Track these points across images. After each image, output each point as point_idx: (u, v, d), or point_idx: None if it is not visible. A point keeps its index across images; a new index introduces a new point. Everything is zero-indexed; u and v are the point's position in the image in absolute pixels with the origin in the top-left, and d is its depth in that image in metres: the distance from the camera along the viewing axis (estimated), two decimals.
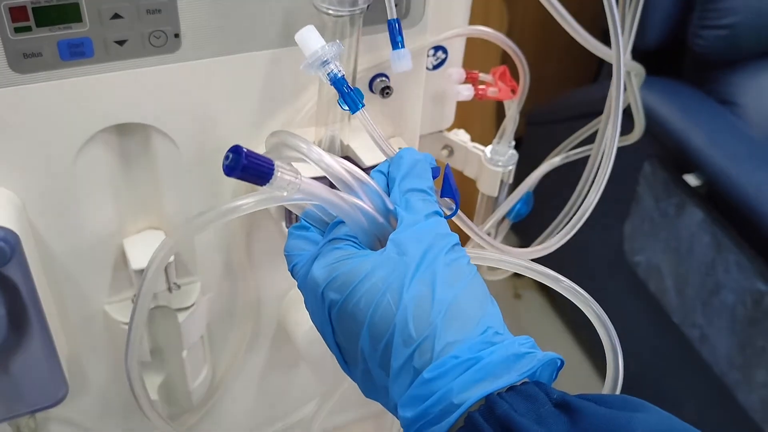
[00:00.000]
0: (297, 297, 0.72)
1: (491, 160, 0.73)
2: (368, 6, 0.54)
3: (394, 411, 0.37)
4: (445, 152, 0.77)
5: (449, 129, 0.77)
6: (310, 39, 0.44)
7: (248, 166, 0.36)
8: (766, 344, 1.07)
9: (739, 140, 1.23)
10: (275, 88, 0.58)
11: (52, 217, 0.57)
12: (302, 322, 0.70)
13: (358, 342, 0.38)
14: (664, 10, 1.33)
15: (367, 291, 0.37)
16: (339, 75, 0.44)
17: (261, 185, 0.37)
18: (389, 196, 0.43)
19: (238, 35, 0.55)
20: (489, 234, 0.77)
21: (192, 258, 0.65)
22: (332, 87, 0.57)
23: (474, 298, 0.37)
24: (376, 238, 0.42)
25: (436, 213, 0.41)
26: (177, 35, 0.53)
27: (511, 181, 0.75)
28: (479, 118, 1.53)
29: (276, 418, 0.83)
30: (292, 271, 0.43)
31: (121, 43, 0.51)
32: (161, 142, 0.57)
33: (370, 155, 0.60)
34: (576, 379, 1.52)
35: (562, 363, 0.37)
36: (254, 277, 0.69)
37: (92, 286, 0.62)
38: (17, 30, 0.48)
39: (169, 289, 0.62)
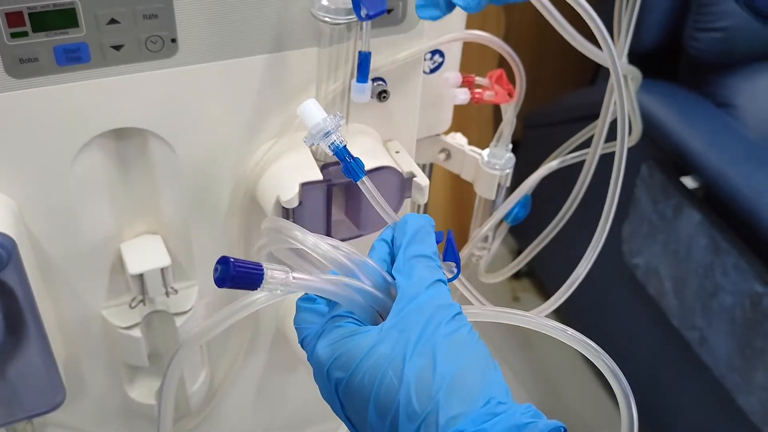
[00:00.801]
0: (295, 300, 0.72)
1: (488, 164, 0.73)
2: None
3: None
4: (442, 155, 0.78)
5: (446, 132, 0.77)
6: (313, 111, 0.46)
7: (237, 276, 0.37)
8: (765, 346, 1.07)
9: (736, 142, 1.24)
10: (271, 92, 0.58)
11: (48, 222, 0.57)
12: None
13: (367, 416, 0.39)
14: (659, 12, 1.33)
15: (369, 368, 0.38)
16: (341, 145, 0.46)
17: (253, 290, 0.39)
18: (394, 262, 0.44)
19: (235, 40, 0.55)
20: (486, 237, 0.77)
21: (189, 262, 0.65)
22: (329, 93, 0.58)
23: (476, 368, 0.38)
24: (377, 312, 0.42)
25: (439, 281, 0.42)
26: (173, 40, 0.53)
27: (508, 184, 0.75)
28: (476, 121, 1.53)
29: (275, 423, 0.83)
30: (301, 343, 0.44)
31: (117, 48, 0.51)
32: (158, 147, 0.57)
33: (367, 160, 0.60)
34: (573, 381, 1.52)
35: (565, 430, 0.38)
36: None
37: (89, 291, 0.62)
38: (14, 35, 0.48)
39: (167, 294, 0.62)
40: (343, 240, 0.62)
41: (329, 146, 0.45)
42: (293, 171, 0.59)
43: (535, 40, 1.54)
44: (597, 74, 1.57)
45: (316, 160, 0.60)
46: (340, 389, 0.40)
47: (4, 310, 0.54)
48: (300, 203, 0.58)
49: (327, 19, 0.53)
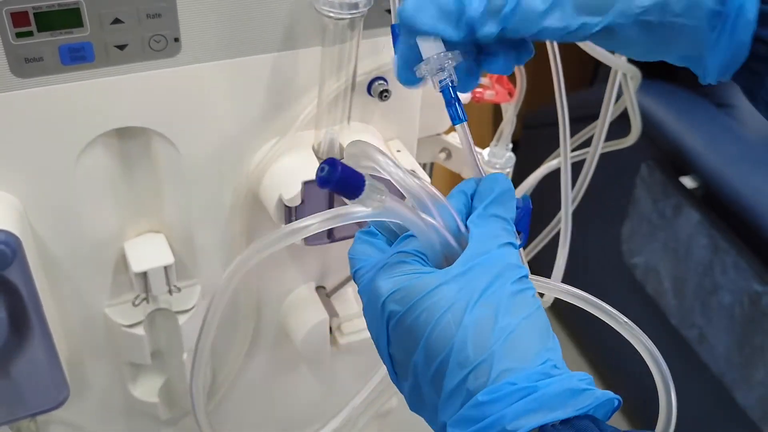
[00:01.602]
0: (297, 299, 0.73)
1: (489, 163, 0.73)
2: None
3: (440, 430, 0.38)
4: (442, 155, 0.78)
5: (447, 132, 0.77)
6: (431, 44, 0.43)
7: (342, 179, 0.36)
8: (764, 344, 1.08)
9: (735, 142, 1.24)
10: (276, 91, 0.59)
11: (53, 221, 0.57)
12: (303, 325, 0.71)
13: (412, 357, 0.38)
14: None
15: (428, 307, 0.37)
16: (451, 85, 0.44)
17: (350, 199, 0.37)
18: (472, 214, 0.43)
19: (239, 39, 0.55)
20: None
21: (192, 261, 0.65)
22: (332, 92, 0.58)
23: (536, 329, 0.38)
24: (444, 257, 0.42)
25: (511, 244, 0.41)
26: (177, 39, 0.53)
27: None
28: (476, 120, 1.54)
29: (277, 421, 0.83)
30: (354, 274, 0.43)
31: (121, 47, 0.52)
32: (162, 146, 0.58)
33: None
34: None
35: (620, 403, 0.37)
36: (255, 279, 0.69)
37: (93, 289, 0.63)
38: (19, 35, 0.49)
39: (170, 292, 0.62)
40: (344, 238, 0.63)
41: (439, 82, 0.43)
42: (295, 169, 0.59)
43: (534, 42, 1.54)
44: (596, 75, 1.57)
45: (318, 158, 0.61)
46: (391, 323, 0.39)
47: (9, 308, 0.54)
48: (302, 201, 0.58)
49: (331, 14, 0.53)
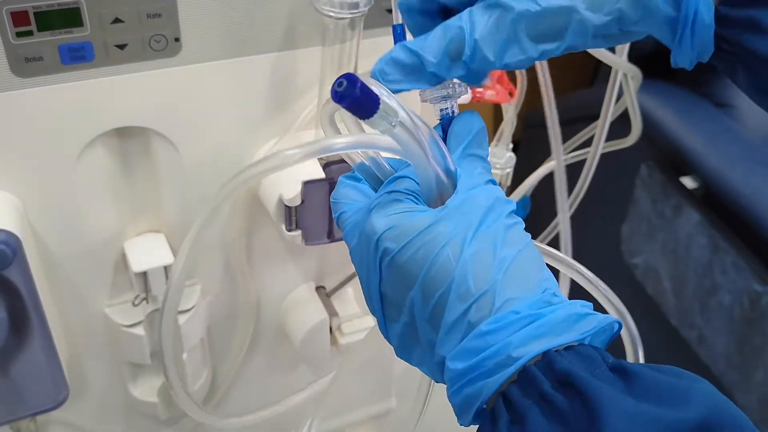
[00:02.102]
0: (297, 300, 0.73)
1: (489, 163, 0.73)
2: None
3: (435, 368, 0.38)
4: None
5: None
6: None
7: (358, 98, 0.35)
8: (764, 344, 1.08)
9: (735, 143, 1.24)
10: (276, 91, 0.59)
11: (53, 220, 0.57)
12: (303, 325, 0.71)
13: (408, 293, 0.38)
14: None
15: (426, 243, 0.37)
16: (451, 115, 0.44)
17: (362, 119, 0.37)
18: (452, 155, 0.42)
19: (239, 39, 0.55)
20: None
21: (192, 260, 0.65)
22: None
23: (534, 259, 0.38)
24: (437, 196, 0.41)
25: (492, 181, 0.42)
26: (177, 39, 0.53)
27: (509, 183, 0.76)
28: None
29: (276, 421, 0.83)
30: (338, 218, 0.43)
31: (121, 47, 0.52)
32: (161, 145, 0.58)
33: None
34: None
35: (620, 326, 0.38)
36: (254, 279, 0.69)
37: (93, 289, 0.63)
38: (19, 34, 0.49)
39: None
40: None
41: (440, 110, 0.44)
42: (295, 169, 0.59)
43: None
44: (596, 75, 1.58)
45: (319, 158, 0.61)
46: (385, 261, 0.39)
47: (9, 308, 0.54)
48: (302, 201, 0.58)
49: (331, 13, 0.53)
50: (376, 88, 0.38)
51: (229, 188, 0.45)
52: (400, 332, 0.40)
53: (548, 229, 0.80)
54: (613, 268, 1.39)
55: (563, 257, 0.44)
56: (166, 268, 0.61)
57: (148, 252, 0.61)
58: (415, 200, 0.40)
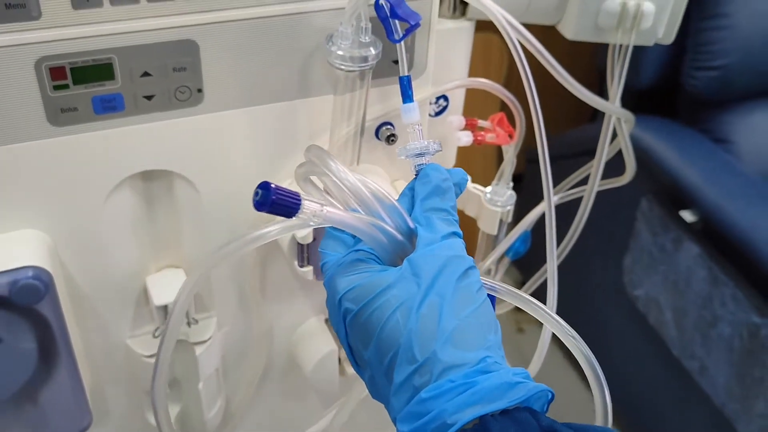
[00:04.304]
0: (307, 331, 0.76)
1: (491, 201, 0.77)
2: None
3: (393, 421, 0.40)
4: None
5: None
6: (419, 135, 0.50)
7: (276, 202, 0.39)
8: (764, 375, 1.10)
9: (733, 177, 1.27)
10: (291, 135, 0.63)
11: (80, 256, 0.61)
12: (313, 356, 0.74)
13: (367, 351, 0.40)
14: (657, 51, 1.38)
15: (379, 306, 0.40)
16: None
17: (289, 218, 0.40)
18: (413, 212, 0.45)
19: (257, 89, 0.59)
20: (489, 271, 0.81)
21: (209, 294, 0.69)
22: (342, 137, 0.62)
23: (477, 326, 0.40)
24: (397, 255, 0.44)
25: (455, 234, 0.44)
26: (200, 90, 0.57)
27: (510, 220, 0.79)
28: (481, 158, 1.57)
29: None
30: (322, 268, 0.46)
31: (149, 98, 0.56)
32: (183, 187, 0.62)
33: None
34: (579, 414, 1.54)
35: (553, 395, 0.40)
36: (267, 312, 0.73)
37: (116, 321, 0.66)
38: (56, 87, 0.53)
39: (188, 324, 0.66)
40: None
41: (416, 166, 0.48)
42: None
43: (537, 80, 1.59)
44: (597, 111, 1.61)
45: (329, 199, 0.64)
46: (347, 319, 0.41)
47: (39, 339, 0.57)
48: (314, 239, 0.62)
49: (342, 67, 0.57)
50: (316, 168, 0.42)
51: (208, 263, 0.48)
52: (367, 380, 0.43)
53: (539, 272, 0.83)
54: (615, 299, 1.42)
55: (531, 301, 0.45)
56: None
57: (169, 286, 0.64)
58: (377, 259, 0.43)
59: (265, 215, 0.60)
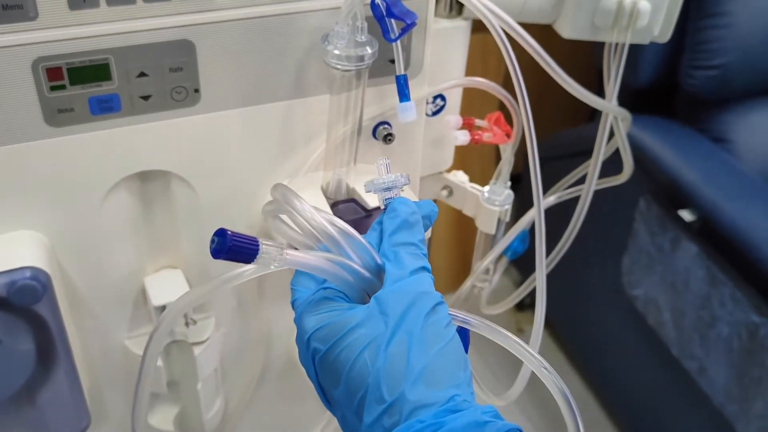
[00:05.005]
0: None
1: (488, 200, 0.77)
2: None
3: None
4: (444, 192, 0.82)
5: (449, 170, 0.81)
6: (385, 168, 0.50)
7: (234, 249, 0.39)
8: (763, 375, 1.09)
9: (732, 177, 1.27)
10: (288, 135, 0.63)
11: (78, 257, 0.61)
12: None
13: (336, 390, 0.40)
14: (655, 51, 1.38)
15: (347, 346, 0.40)
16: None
17: (248, 263, 0.40)
18: (380, 247, 0.45)
19: (253, 89, 0.59)
20: (488, 270, 0.81)
21: (206, 295, 0.69)
22: (340, 134, 0.62)
23: (447, 363, 0.39)
24: (365, 292, 0.44)
25: (424, 268, 0.43)
26: (197, 90, 0.57)
27: (508, 219, 0.79)
28: (479, 158, 1.58)
29: None
30: (293, 305, 0.46)
31: (145, 98, 0.56)
32: (180, 187, 0.62)
33: (375, 197, 0.64)
34: (581, 414, 1.54)
35: None
36: (265, 312, 0.73)
37: (114, 322, 0.66)
38: (53, 88, 0.53)
39: (186, 324, 0.66)
40: None
41: (384, 200, 0.49)
42: None
43: (536, 80, 1.59)
44: (595, 111, 1.61)
45: (327, 198, 0.65)
46: (316, 359, 0.41)
47: (37, 340, 0.58)
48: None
49: (338, 66, 0.57)
50: (282, 207, 0.42)
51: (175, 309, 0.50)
52: (340, 419, 0.42)
53: (548, 260, 0.83)
54: (614, 299, 1.42)
55: (499, 330, 0.44)
56: None
57: (167, 287, 0.65)
58: (345, 297, 0.43)
59: (256, 221, 0.60)
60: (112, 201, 0.60)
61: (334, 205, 0.64)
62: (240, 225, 0.66)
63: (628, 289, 1.36)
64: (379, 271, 0.44)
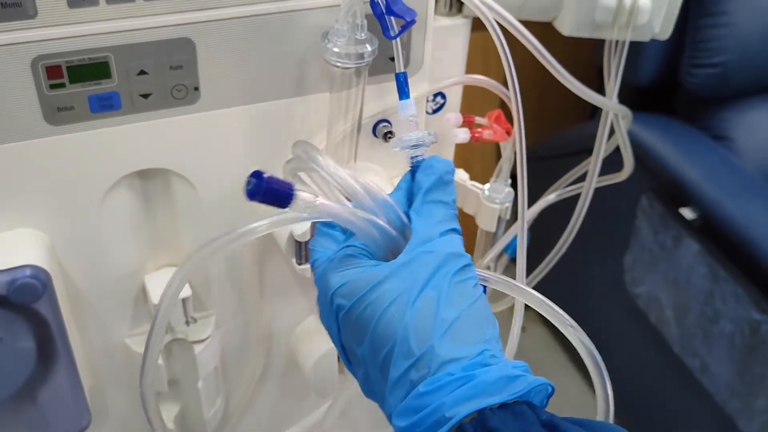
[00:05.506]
0: (306, 329, 0.76)
1: (489, 198, 0.77)
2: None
3: (389, 417, 0.40)
4: None
5: None
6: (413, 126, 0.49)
7: (269, 191, 0.38)
8: (765, 372, 1.10)
9: (733, 174, 1.27)
10: (288, 133, 0.63)
11: (78, 255, 0.61)
12: (312, 354, 0.74)
13: (360, 347, 0.40)
14: (655, 48, 1.38)
15: (373, 301, 0.39)
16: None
17: (282, 208, 0.39)
18: (413, 203, 0.44)
19: (254, 86, 0.59)
20: (488, 268, 0.81)
21: (207, 293, 0.69)
22: (339, 134, 0.62)
23: (475, 320, 0.39)
24: (389, 251, 0.43)
25: (454, 230, 0.43)
26: (197, 88, 0.57)
27: (508, 217, 0.79)
28: (480, 156, 1.57)
29: None
30: (312, 265, 0.45)
31: (145, 96, 0.56)
32: (180, 185, 0.62)
33: None
34: (579, 411, 1.54)
35: (553, 389, 0.39)
36: (266, 310, 0.73)
37: (114, 320, 0.66)
38: (52, 86, 0.53)
39: (187, 323, 0.66)
40: None
41: (411, 158, 0.47)
42: None
43: (537, 78, 1.59)
44: (596, 109, 1.61)
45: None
46: (340, 315, 0.40)
47: (37, 339, 0.58)
48: (312, 236, 0.62)
49: (338, 64, 0.57)
50: (305, 165, 0.41)
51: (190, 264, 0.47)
52: (361, 378, 0.42)
53: (549, 257, 0.83)
54: (616, 297, 1.42)
55: (532, 292, 0.44)
56: (184, 301, 0.65)
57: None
58: (369, 255, 0.42)
59: (261, 212, 0.60)
60: (112, 199, 0.60)
61: None
62: (240, 223, 0.65)
63: (630, 286, 1.36)
64: (404, 230, 0.43)
